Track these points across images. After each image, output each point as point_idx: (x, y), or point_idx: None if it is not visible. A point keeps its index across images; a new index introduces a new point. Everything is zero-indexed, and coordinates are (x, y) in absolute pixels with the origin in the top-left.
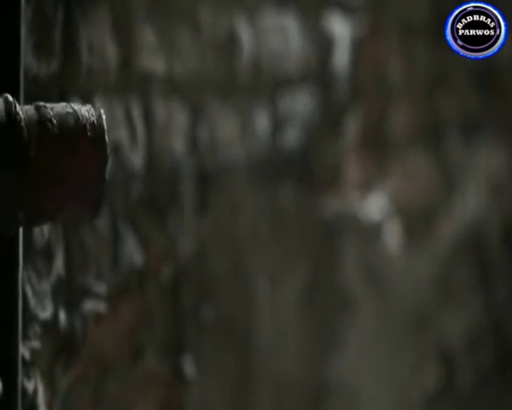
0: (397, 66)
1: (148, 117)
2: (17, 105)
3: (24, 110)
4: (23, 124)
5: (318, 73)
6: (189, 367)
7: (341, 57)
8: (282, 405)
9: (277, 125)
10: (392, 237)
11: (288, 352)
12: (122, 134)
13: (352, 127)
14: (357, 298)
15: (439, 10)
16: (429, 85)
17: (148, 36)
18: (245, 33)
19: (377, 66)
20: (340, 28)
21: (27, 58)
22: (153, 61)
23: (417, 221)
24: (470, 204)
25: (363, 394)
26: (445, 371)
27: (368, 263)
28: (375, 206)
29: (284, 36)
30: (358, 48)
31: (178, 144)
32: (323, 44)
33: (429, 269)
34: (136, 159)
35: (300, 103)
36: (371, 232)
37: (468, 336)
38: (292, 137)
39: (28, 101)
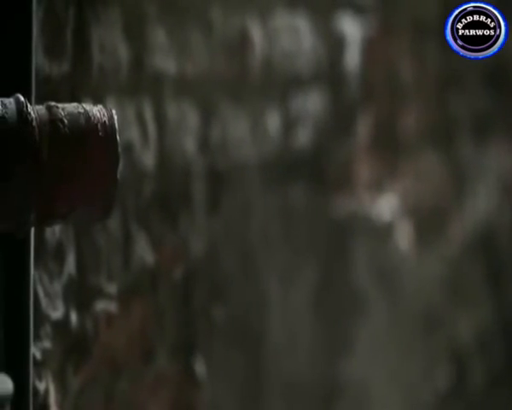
0: (408, 66)
1: (159, 117)
2: (28, 105)
3: (35, 110)
4: (34, 124)
5: (329, 72)
6: (200, 367)
7: (352, 57)
8: (293, 405)
9: (288, 125)
10: (403, 237)
11: (299, 352)
12: (133, 134)
13: (363, 127)
14: (368, 298)
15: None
16: (440, 85)
17: (159, 36)
18: (256, 33)
19: (388, 66)
20: (351, 28)
21: (39, 58)
22: (164, 61)
23: (428, 222)
24: (481, 204)
25: (373, 394)
26: (456, 372)
27: (379, 263)
28: (385, 206)
29: (295, 36)
30: (369, 48)
31: (190, 144)
32: (334, 44)
33: (440, 269)
34: (148, 159)
35: (312, 103)
36: (382, 232)
37: (479, 337)
38: (303, 136)
39: (40, 101)
